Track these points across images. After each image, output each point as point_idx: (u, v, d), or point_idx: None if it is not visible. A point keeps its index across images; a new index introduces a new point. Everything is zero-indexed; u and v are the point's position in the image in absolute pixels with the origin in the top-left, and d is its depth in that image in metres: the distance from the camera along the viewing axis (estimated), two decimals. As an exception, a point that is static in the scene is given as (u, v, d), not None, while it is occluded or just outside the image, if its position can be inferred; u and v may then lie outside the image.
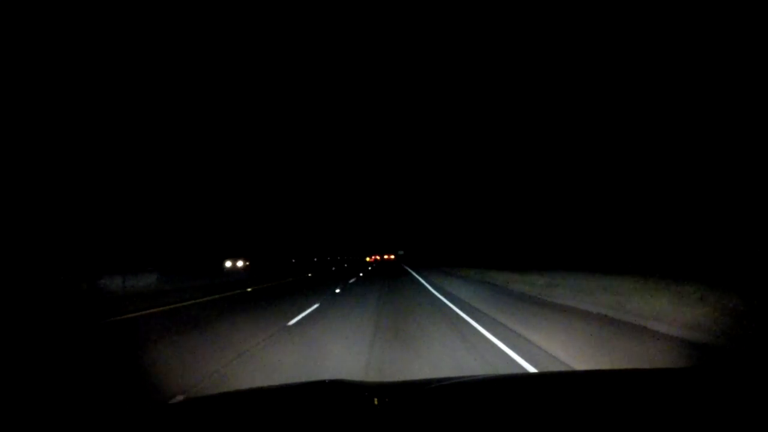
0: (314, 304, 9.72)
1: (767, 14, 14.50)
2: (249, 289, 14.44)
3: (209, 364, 4.40)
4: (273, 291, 13.95)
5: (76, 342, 5.80)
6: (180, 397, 3.33)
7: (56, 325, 7.15)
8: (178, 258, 27.65)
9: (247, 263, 29.24)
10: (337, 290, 13.89)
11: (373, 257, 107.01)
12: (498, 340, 5.39)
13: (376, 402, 1.26)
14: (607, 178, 22.90)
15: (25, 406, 3.20)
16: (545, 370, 4.00)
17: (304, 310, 8.66)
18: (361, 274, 22.59)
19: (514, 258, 26.73)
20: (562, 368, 4.08)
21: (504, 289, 13.43)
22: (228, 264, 26.75)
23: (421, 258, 75.68)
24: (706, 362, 4.33)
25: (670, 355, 4.51)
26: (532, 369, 4.11)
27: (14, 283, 11.26)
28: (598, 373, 2.05)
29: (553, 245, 26.68)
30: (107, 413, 2.40)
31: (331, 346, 5.22)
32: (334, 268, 34.62)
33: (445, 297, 11.11)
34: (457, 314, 7.98)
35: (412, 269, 27.51)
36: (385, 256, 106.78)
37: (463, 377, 1.70)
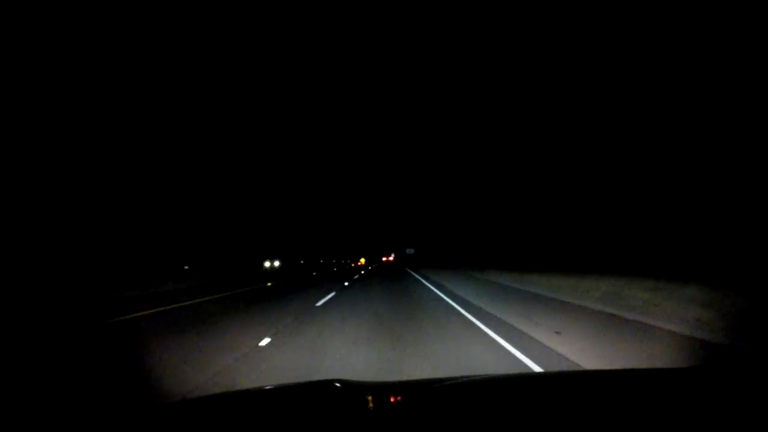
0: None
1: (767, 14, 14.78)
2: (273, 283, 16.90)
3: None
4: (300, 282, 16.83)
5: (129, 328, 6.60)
6: (263, 342, 5.28)
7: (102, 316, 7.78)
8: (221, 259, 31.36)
9: (275, 263, 34.51)
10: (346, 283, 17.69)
11: (359, 261, 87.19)
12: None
13: (376, 402, 1.27)
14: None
15: (28, 404, 3.22)
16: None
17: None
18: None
19: (545, 258, 24.12)
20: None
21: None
22: (267, 264, 32.81)
23: (432, 259, 67.22)
24: (706, 362, 4.37)
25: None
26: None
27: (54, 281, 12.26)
28: (599, 373, 2.08)
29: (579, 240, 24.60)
30: (118, 406, 3.06)
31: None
32: (335, 270, 36.57)
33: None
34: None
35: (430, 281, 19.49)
36: (383, 259, 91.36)
37: (465, 377, 1.74)
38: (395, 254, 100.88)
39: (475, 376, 1.82)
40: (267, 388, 1.73)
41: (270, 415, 1.21)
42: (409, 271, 33.41)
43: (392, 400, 1.34)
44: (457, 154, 57.93)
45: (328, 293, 13.01)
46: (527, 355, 4.69)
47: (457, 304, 9.82)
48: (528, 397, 1.34)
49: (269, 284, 17.90)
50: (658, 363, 4.27)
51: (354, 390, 1.46)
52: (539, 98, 32.87)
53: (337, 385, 1.46)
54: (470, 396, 1.37)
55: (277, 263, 34.05)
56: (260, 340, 5.59)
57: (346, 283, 17.83)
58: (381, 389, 1.49)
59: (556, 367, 4.13)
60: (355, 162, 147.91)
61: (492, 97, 44.39)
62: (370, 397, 1.34)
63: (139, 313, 8.21)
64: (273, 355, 4.85)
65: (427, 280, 20.29)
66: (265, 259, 33.12)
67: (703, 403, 1.14)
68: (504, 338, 5.66)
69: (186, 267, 24.72)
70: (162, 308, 9.11)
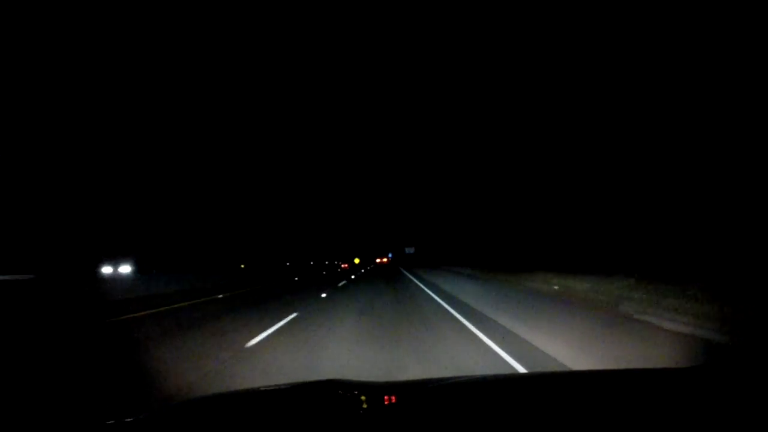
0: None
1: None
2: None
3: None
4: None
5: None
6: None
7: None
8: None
9: (120, 269, 16.69)
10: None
11: (344, 264, 72.15)
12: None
13: (374, 402, 1.26)
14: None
15: (30, 402, 3.24)
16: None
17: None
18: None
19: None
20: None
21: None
22: (107, 270, 15.50)
23: (435, 259, 57.05)
24: (706, 362, 4.26)
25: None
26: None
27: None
28: (597, 373, 2.01)
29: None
30: (105, 412, 2.75)
31: None
32: (296, 279, 22.38)
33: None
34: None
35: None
36: (377, 260, 79.92)
37: (463, 377, 1.83)
38: (393, 254, 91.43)
39: (471, 376, 1.99)
40: (265, 388, 1.72)
41: (269, 416, 1.19)
42: (413, 278, 19.31)
43: (389, 400, 1.29)
44: (458, 149, 54.13)
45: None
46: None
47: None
48: (525, 397, 1.30)
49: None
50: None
51: (351, 390, 1.45)
52: (539, 98, 32.24)
53: (335, 385, 1.49)
54: (467, 396, 1.34)
55: (125, 269, 16.26)
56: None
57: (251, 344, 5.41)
58: (378, 389, 1.45)
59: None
60: (350, 157, 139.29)
61: (492, 95, 43.11)
62: (367, 398, 1.31)
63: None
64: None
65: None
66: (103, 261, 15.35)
67: (701, 403, 1.12)
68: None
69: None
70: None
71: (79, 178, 31.39)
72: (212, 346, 5.30)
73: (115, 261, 16.23)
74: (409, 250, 76.69)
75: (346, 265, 63.92)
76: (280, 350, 5.04)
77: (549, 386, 1.45)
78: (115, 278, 14.66)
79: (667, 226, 19.20)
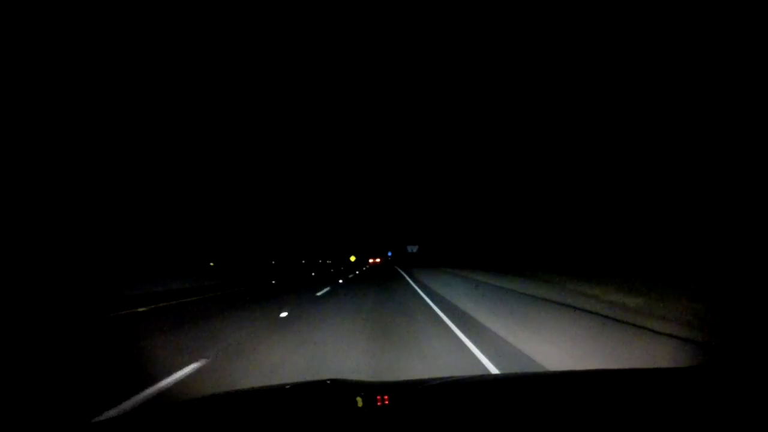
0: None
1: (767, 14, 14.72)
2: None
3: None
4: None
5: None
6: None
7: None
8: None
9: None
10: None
11: (325, 263, 71.28)
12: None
13: (372, 402, 1.26)
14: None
15: (29, 396, 3.26)
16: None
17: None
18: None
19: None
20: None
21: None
22: None
23: (443, 259, 49.13)
24: (705, 362, 4.28)
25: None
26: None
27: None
28: (596, 373, 1.96)
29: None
30: (108, 410, 2.72)
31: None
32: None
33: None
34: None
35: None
36: (370, 261, 74.96)
37: (461, 377, 1.76)
38: (393, 252, 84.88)
39: (472, 376, 1.87)
40: (265, 387, 1.74)
41: (269, 415, 1.18)
42: (435, 308, 8.46)
43: (389, 400, 1.29)
44: (463, 139, 53.51)
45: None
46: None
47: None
48: (523, 397, 1.30)
49: None
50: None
51: (351, 390, 1.47)
52: (538, 97, 32.51)
53: (335, 384, 1.51)
54: (465, 396, 1.34)
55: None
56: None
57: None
58: (377, 389, 1.47)
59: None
60: (349, 151, 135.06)
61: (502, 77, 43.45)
62: (367, 397, 1.32)
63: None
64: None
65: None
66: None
67: (700, 404, 1.10)
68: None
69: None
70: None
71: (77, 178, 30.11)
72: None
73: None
74: (412, 249, 69.29)
75: (327, 265, 61.03)
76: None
77: (548, 386, 1.46)
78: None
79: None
